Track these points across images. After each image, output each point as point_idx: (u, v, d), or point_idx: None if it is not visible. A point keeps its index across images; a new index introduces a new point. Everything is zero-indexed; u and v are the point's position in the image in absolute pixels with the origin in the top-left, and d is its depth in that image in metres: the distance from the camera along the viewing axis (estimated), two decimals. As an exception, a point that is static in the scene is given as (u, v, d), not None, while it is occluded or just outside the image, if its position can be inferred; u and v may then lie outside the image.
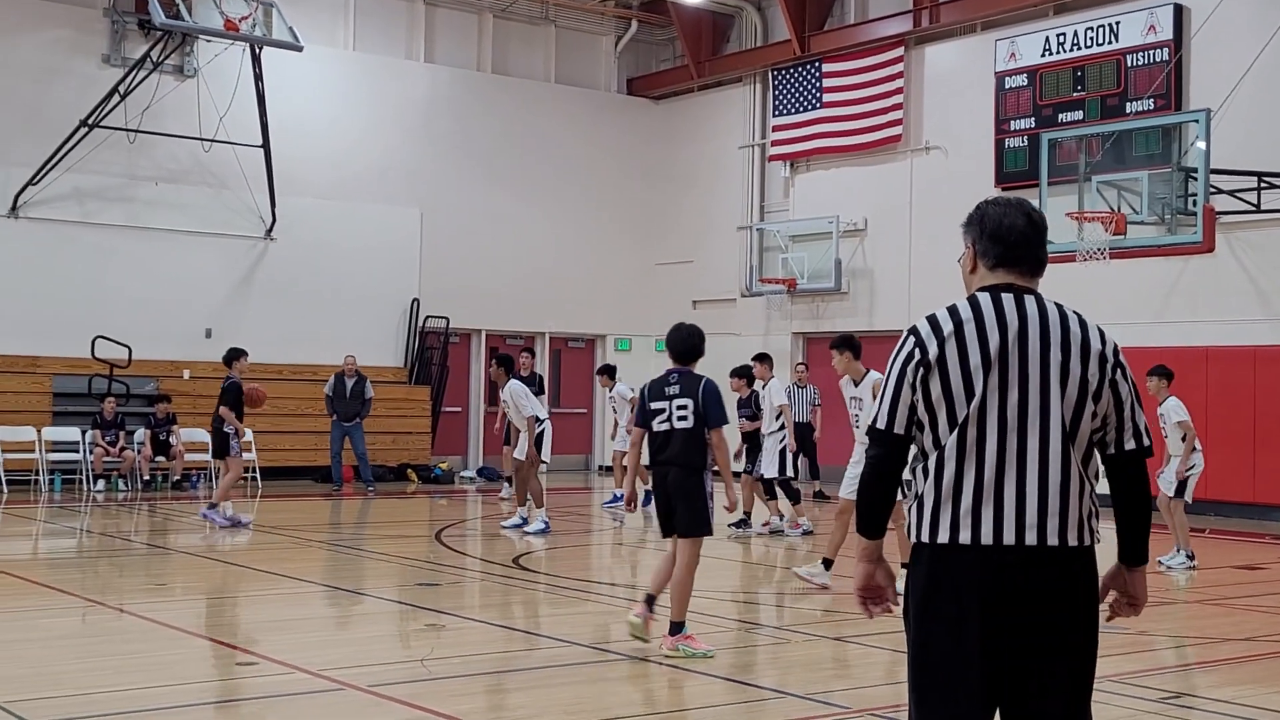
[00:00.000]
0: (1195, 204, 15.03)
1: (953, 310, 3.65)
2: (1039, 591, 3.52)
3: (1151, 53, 18.94)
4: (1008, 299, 3.65)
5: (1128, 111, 18.92)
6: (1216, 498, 16.62)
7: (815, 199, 23.80)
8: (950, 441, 3.58)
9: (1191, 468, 12.52)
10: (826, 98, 23.50)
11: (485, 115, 24.70)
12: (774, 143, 24.51)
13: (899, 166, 22.50)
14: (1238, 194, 16.41)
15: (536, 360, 20.05)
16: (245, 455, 15.90)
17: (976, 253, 3.76)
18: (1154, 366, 12.81)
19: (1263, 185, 16.25)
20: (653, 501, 18.78)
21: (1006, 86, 20.79)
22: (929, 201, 21.44)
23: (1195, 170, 15.21)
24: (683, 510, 8.20)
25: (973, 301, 3.67)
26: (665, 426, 8.21)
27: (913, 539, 3.66)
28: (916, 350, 3.62)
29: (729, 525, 15.49)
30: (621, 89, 26.86)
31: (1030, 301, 3.66)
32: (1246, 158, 16.40)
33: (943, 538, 3.56)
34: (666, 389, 8.26)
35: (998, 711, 3.62)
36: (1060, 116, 19.82)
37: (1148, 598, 3.78)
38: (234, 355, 15.48)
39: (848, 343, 10.88)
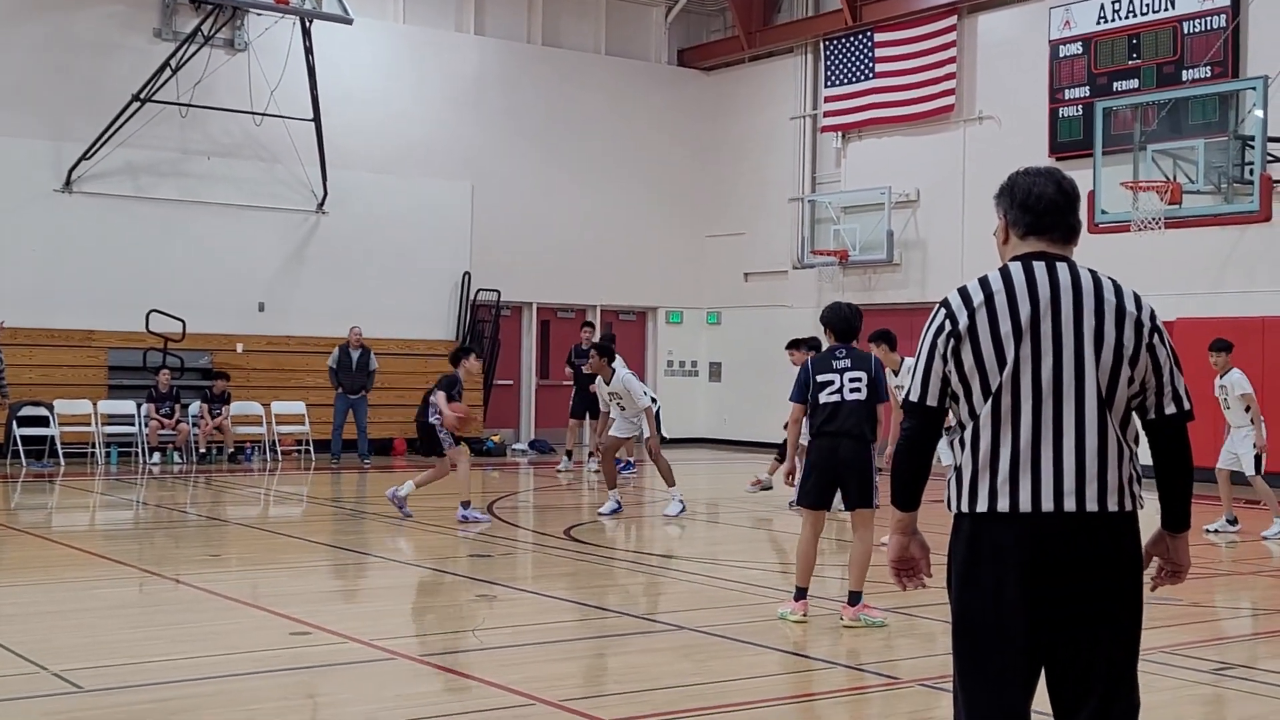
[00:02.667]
0: (1252, 172, 14.84)
1: (984, 281, 3.65)
2: (1080, 558, 3.52)
3: (1208, 19, 18.61)
4: (1039, 267, 3.64)
5: (1184, 79, 18.62)
6: (1271, 469, 16.39)
7: (867, 170, 23.62)
8: (985, 411, 3.58)
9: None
10: (879, 68, 23.29)
11: (535, 88, 24.68)
12: (826, 113, 24.32)
13: (952, 136, 22.29)
14: (1296, 162, 16.15)
15: (595, 332, 20.10)
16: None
17: (1008, 223, 3.77)
18: (1215, 340, 12.76)
19: (1323, 153, 15.99)
20: (627, 469, 18.73)
21: (1061, 55, 20.52)
22: (982, 172, 21.22)
23: (1252, 138, 15.01)
24: (857, 483, 8.26)
25: (1004, 271, 3.67)
26: (835, 398, 8.25)
27: (952, 510, 3.66)
28: (947, 322, 3.63)
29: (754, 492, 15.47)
30: (672, 60, 26.74)
31: (1062, 269, 3.64)
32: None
33: (982, 507, 3.57)
34: (835, 362, 8.32)
35: (1043, 678, 3.62)
36: (1115, 85, 19.54)
37: (1191, 564, 3.77)
38: (461, 354, 14.13)
39: (884, 337, 11.14)
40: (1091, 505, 3.51)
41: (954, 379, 3.62)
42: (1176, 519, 3.71)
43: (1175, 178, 15.88)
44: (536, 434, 24.33)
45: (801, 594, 8.37)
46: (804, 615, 8.30)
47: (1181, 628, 8.30)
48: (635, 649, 7.77)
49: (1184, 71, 18.81)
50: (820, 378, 8.30)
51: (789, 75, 25.28)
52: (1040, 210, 3.71)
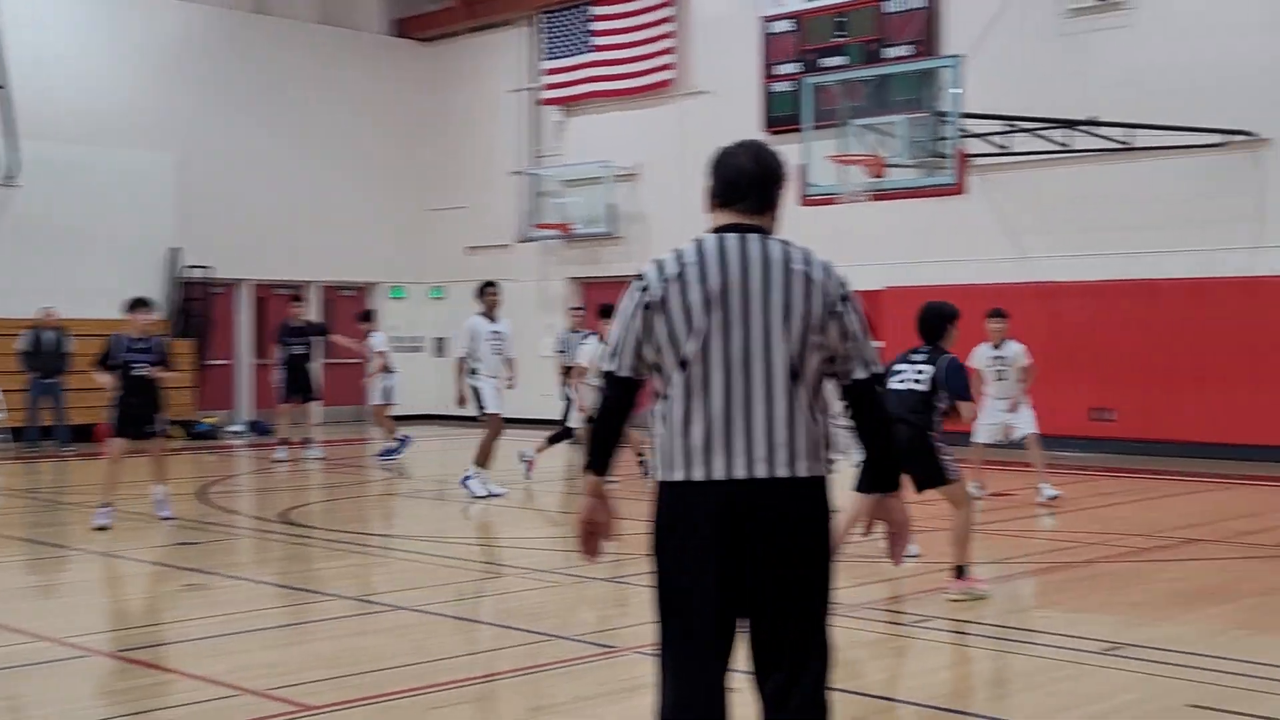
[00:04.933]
0: (949, 147, 15.49)
1: (679, 253, 3.71)
2: (773, 521, 3.60)
3: (908, -1, 19.49)
4: (732, 239, 3.71)
5: (886, 57, 19.41)
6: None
7: (588, 143, 23.75)
8: (678, 381, 3.65)
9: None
10: (596, 41, 23.42)
11: (246, 56, 23.80)
12: (546, 86, 24.33)
13: (669, 110, 22.61)
14: (988, 137, 17.00)
15: (307, 308, 19.05)
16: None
17: (710, 194, 3.84)
18: (994, 309, 12.85)
19: (1010, 129, 16.87)
20: (399, 451, 17.90)
21: (773, 31, 21.07)
22: (699, 145, 21.39)
23: (948, 114, 15.66)
24: (922, 466, 8.26)
25: (699, 243, 3.73)
26: (897, 385, 8.41)
27: (653, 478, 3.72)
28: (642, 294, 3.69)
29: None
30: (389, 31, 26.24)
31: (754, 241, 3.71)
32: (996, 102, 17.00)
33: (678, 475, 3.64)
34: (913, 356, 8.57)
35: (745, 638, 3.69)
36: (823, 62, 20.20)
37: (909, 521, 3.89)
38: (129, 306, 11.84)
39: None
40: (781, 471, 3.60)
41: (649, 351, 3.68)
42: (883, 480, 3.84)
43: (879, 152, 16.46)
44: (255, 415, 23.56)
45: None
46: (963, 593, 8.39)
47: (878, 585, 8.64)
48: (350, 632, 7.58)
49: (886, 49, 19.59)
50: (894, 367, 8.52)
51: (509, 47, 25.16)
52: (732, 181, 3.79)
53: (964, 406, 8.45)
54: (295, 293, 20.54)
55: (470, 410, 13.57)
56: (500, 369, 13.70)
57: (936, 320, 8.52)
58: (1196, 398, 17.06)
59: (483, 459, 13.40)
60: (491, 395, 13.51)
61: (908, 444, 8.20)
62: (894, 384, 8.40)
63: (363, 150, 25.21)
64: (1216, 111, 16.61)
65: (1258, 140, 16.65)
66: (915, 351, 8.53)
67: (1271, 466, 15.74)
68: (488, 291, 13.78)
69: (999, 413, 12.82)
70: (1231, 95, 16.70)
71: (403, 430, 17.98)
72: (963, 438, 12.81)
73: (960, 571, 8.24)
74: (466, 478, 13.43)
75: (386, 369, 17.91)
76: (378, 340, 18.14)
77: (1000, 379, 12.79)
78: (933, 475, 8.28)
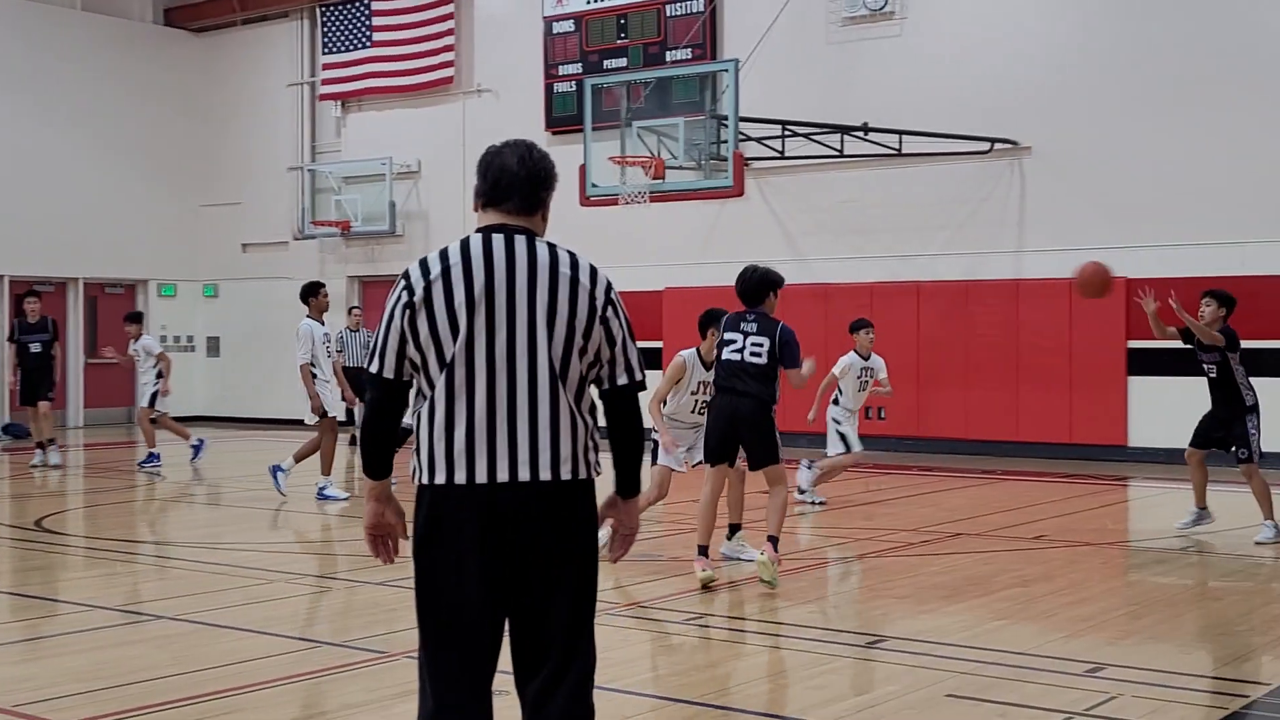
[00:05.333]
0: (727, 150, 15.72)
1: (444, 252, 3.67)
2: (535, 524, 3.59)
3: (689, 4, 19.71)
4: (497, 240, 3.67)
5: (667, 60, 19.62)
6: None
7: (368, 140, 23.37)
8: (440, 382, 3.60)
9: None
10: (376, 36, 23.05)
11: (2, 41, 22.60)
12: (324, 81, 23.83)
13: (451, 108, 22.40)
14: (765, 141, 17.34)
15: (42, 304, 17.18)
16: None
17: (478, 193, 3.80)
18: (863, 320, 12.67)
19: (786, 134, 17.24)
20: (199, 453, 17.33)
21: (555, 31, 21.07)
22: (482, 144, 20.62)
23: (726, 118, 15.88)
24: (758, 442, 8.42)
25: (464, 243, 3.69)
26: (735, 357, 8.46)
27: (415, 482, 3.67)
28: (405, 293, 3.65)
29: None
30: (158, 19, 25.29)
31: (520, 241, 3.68)
32: (774, 107, 17.35)
33: (440, 479, 3.60)
34: (742, 324, 8.58)
35: (508, 640, 3.68)
36: (605, 63, 20.29)
37: (639, 527, 3.96)
38: None
39: None
40: (545, 474, 3.58)
41: (411, 349, 3.62)
42: (627, 485, 3.85)
43: (660, 154, 16.59)
44: (11, 417, 22.40)
45: (702, 551, 8.45)
46: (704, 569, 8.38)
47: (662, 581, 8.70)
48: (108, 643, 7.24)
49: (668, 52, 19.81)
50: (725, 335, 8.51)
51: (286, 40, 24.56)
52: (494, 180, 3.76)
53: (792, 375, 8.58)
54: (29, 287, 19.04)
55: (310, 418, 13.20)
56: (331, 373, 13.45)
57: (759, 286, 8.62)
58: (963, 396, 17.75)
59: (327, 466, 13.19)
60: (331, 400, 13.31)
61: (752, 418, 8.34)
62: (728, 353, 8.47)
63: (131, 143, 24.25)
64: (982, 120, 17.31)
65: (1020, 148, 17.42)
66: (743, 319, 8.55)
67: (1031, 461, 16.48)
68: (321, 294, 13.35)
69: (847, 423, 12.65)
70: (996, 104, 17.42)
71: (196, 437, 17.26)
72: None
73: (775, 543, 8.43)
74: (322, 489, 13.12)
75: (161, 373, 16.96)
76: (151, 343, 17.15)
77: (861, 390, 12.74)
78: (769, 453, 8.44)
